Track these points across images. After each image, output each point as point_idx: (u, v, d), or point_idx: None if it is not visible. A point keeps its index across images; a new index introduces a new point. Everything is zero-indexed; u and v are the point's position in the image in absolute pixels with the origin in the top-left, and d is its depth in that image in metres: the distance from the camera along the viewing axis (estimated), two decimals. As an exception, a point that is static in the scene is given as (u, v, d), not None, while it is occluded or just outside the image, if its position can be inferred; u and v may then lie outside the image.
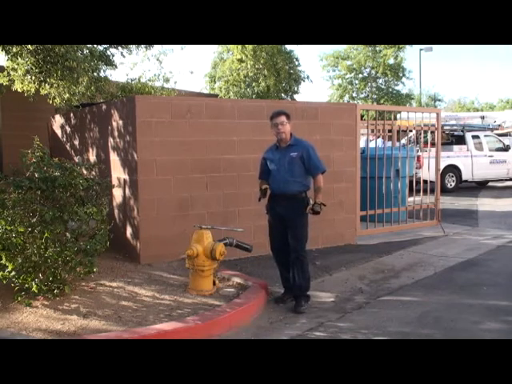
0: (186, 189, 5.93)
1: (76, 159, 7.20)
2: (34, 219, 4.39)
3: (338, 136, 7.04)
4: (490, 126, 17.55)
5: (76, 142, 7.93)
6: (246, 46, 22.04)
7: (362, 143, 8.58)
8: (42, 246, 4.43)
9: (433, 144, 8.92)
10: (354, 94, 32.83)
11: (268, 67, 22.69)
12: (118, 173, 6.21)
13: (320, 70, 33.99)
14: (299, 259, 4.71)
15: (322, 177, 4.74)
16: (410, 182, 8.75)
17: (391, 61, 30.74)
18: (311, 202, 4.66)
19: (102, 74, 9.09)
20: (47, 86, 8.16)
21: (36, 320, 4.07)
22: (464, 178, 14.38)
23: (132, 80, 10.61)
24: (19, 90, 8.33)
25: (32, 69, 7.74)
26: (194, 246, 4.70)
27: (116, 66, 9.22)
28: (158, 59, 10.79)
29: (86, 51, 8.15)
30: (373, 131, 9.28)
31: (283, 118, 4.68)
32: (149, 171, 5.72)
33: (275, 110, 4.85)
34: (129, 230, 6.00)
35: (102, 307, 4.36)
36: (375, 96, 31.75)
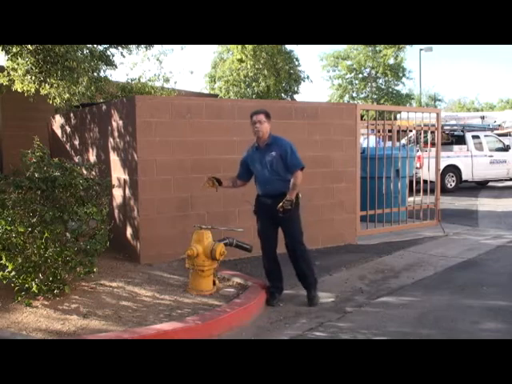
0: (186, 189, 5.93)
1: (76, 159, 7.20)
2: (34, 219, 4.39)
3: (338, 136, 7.04)
4: (490, 126, 17.55)
5: (76, 142, 7.93)
6: (246, 46, 22.02)
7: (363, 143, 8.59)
8: (42, 246, 4.43)
9: (433, 144, 8.92)
10: (354, 94, 32.83)
11: (268, 67, 22.67)
12: (118, 173, 6.20)
13: (320, 69, 34.05)
14: (301, 253, 4.78)
15: (300, 174, 4.64)
16: (410, 182, 8.75)
17: (391, 61, 30.73)
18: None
19: (102, 74, 9.13)
20: (47, 86, 8.17)
21: (36, 320, 4.07)
22: (464, 178, 14.38)
23: (132, 80, 10.62)
24: (19, 89, 8.34)
25: (32, 69, 7.75)
26: (194, 246, 4.70)
27: (116, 66, 9.25)
28: (157, 59, 10.82)
29: (86, 51, 8.17)
30: (373, 131, 9.28)
31: (261, 117, 4.67)
32: (149, 171, 5.72)
33: (257, 109, 4.82)
34: (129, 230, 6.00)
35: (102, 307, 4.36)
36: (375, 96, 31.75)
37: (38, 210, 4.38)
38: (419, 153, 10.57)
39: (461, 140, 14.75)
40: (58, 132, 8.87)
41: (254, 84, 23.53)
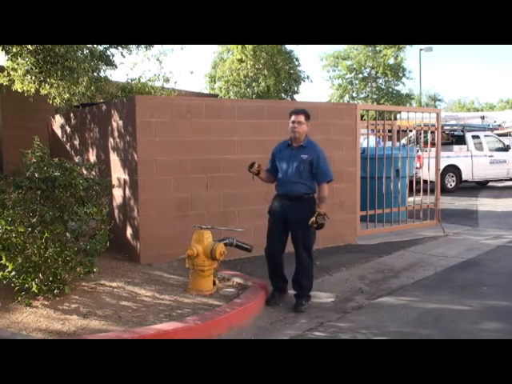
0: (186, 189, 5.93)
1: (76, 159, 7.20)
2: (34, 219, 4.39)
3: (338, 136, 7.04)
4: (490, 126, 17.55)
5: (76, 142, 7.93)
6: (246, 46, 22.03)
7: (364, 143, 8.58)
8: (42, 246, 4.42)
9: (433, 144, 8.92)
10: (354, 94, 32.81)
11: (268, 67, 22.68)
12: (118, 173, 6.21)
13: (320, 69, 34.04)
14: (305, 260, 4.72)
15: (327, 186, 4.67)
16: (410, 182, 8.75)
17: (391, 61, 30.73)
18: (317, 210, 4.53)
19: (102, 74, 9.13)
20: (47, 86, 8.17)
21: (36, 320, 4.07)
22: (464, 178, 14.37)
23: (132, 80, 10.62)
24: (19, 89, 8.35)
25: (32, 69, 7.76)
26: (194, 245, 4.70)
27: (116, 66, 9.25)
28: (157, 59, 10.82)
29: (86, 51, 8.17)
30: (373, 131, 9.28)
31: (301, 118, 4.66)
32: (149, 171, 5.72)
33: (297, 108, 4.85)
34: (129, 230, 6.00)
35: (102, 307, 4.36)
36: (375, 96, 31.74)
37: (37, 209, 4.38)
38: (419, 153, 10.58)
39: (461, 140, 14.75)
40: (58, 132, 8.87)
41: (254, 84, 23.54)
